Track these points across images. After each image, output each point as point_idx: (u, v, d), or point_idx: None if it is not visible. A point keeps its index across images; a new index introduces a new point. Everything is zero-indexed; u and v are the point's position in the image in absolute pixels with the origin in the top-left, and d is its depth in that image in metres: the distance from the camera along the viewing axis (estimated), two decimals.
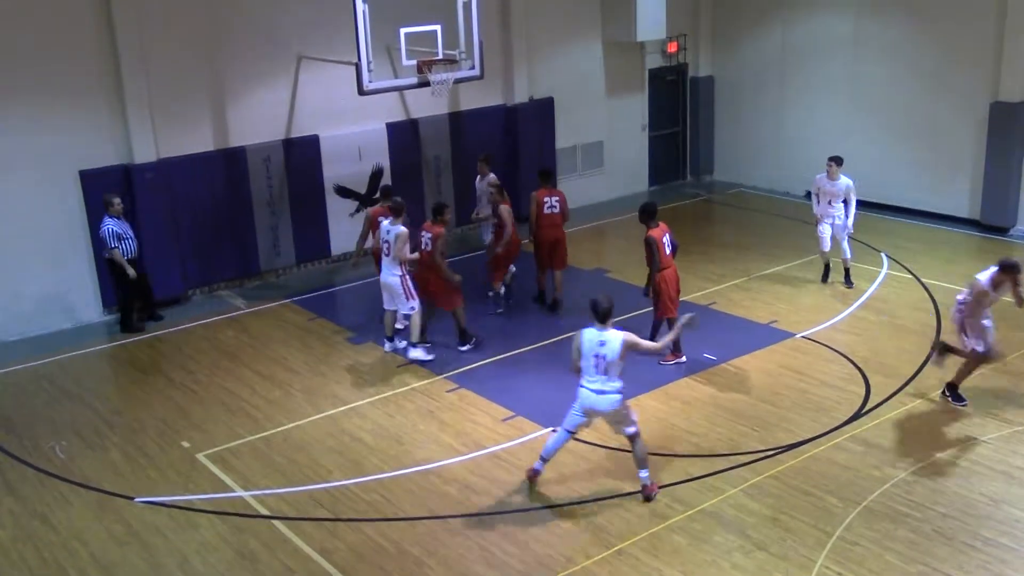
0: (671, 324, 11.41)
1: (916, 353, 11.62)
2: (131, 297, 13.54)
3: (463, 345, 12.24)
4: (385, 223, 12.07)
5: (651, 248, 11.34)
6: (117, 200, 13.09)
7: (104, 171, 13.76)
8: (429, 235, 11.89)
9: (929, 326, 12.46)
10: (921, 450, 9.44)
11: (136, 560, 8.27)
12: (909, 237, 16.23)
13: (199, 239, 14.76)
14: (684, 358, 11.65)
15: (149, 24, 13.82)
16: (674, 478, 9.15)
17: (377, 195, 14.57)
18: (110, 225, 12.97)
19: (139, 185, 13.91)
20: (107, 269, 13.43)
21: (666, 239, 11.44)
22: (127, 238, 13.20)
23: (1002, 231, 16.16)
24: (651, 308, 11.84)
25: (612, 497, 8.87)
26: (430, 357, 12.06)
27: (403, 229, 11.78)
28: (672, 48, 19.96)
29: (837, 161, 13.78)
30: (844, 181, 13.75)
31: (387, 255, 11.94)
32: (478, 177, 14.76)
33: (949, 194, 16.90)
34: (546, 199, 13.25)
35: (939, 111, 16.86)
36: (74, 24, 13.32)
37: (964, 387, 10.42)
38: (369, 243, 12.86)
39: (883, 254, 15.34)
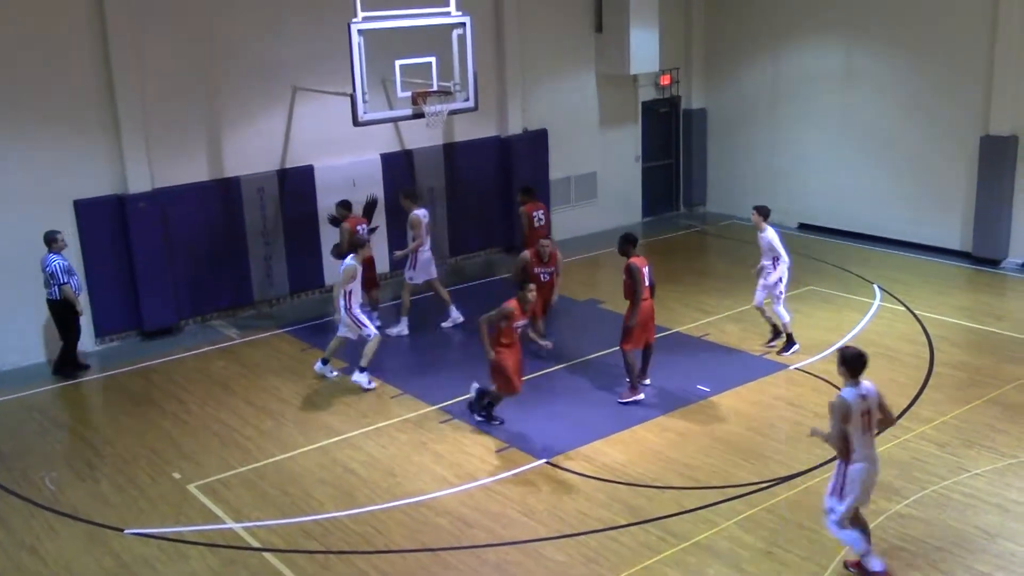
0: (642, 355, 11.66)
1: (909, 385, 11.62)
2: (76, 337, 13.14)
3: (477, 414, 11.28)
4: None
5: (633, 277, 11.28)
6: (61, 236, 12.78)
7: (98, 200, 13.78)
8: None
9: (922, 359, 12.47)
10: (915, 483, 9.42)
11: None
12: (901, 269, 16.29)
13: (192, 269, 14.75)
14: (642, 396, 11.51)
15: (145, 55, 13.90)
16: (667, 510, 9.10)
17: (374, 225, 14.60)
18: (57, 261, 12.64)
19: (132, 215, 13.92)
20: (51, 309, 12.90)
21: (646, 271, 11.41)
22: (74, 274, 12.96)
23: (994, 263, 16.23)
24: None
25: (605, 530, 8.82)
26: (371, 387, 12.18)
27: (350, 264, 11.99)
28: (665, 81, 20.11)
29: (759, 211, 12.59)
30: (767, 234, 12.48)
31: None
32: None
33: (941, 226, 16.99)
34: (534, 213, 14.46)
35: (930, 144, 16.98)
36: (70, 55, 13.38)
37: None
38: None
39: (875, 286, 15.38)
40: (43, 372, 13.16)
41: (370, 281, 14.22)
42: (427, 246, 14.13)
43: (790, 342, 12.80)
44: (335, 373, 12.60)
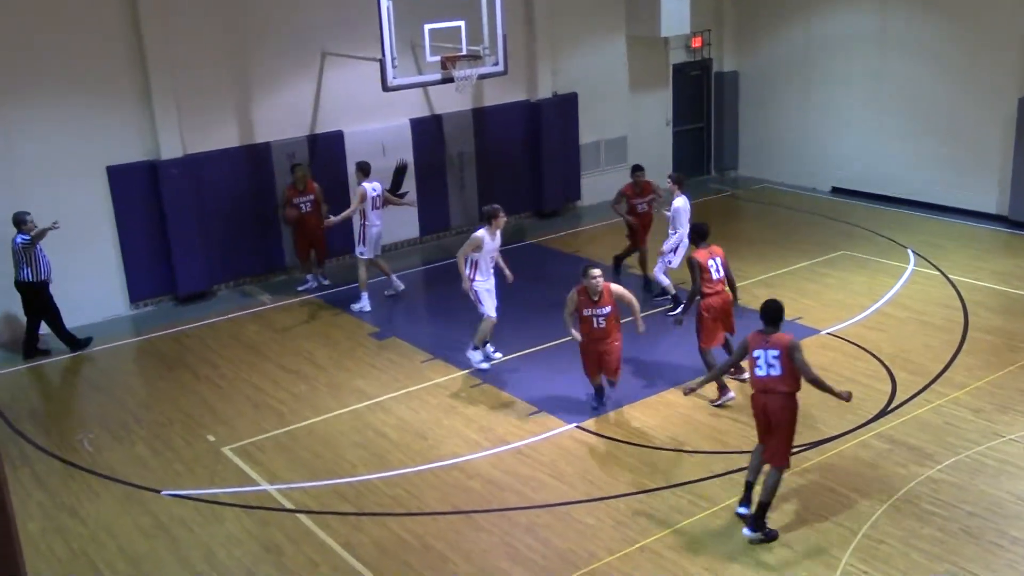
0: (725, 349, 10.83)
1: (942, 350, 11.53)
2: (39, 319, 12.75)
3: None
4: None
5: (692, 271, 10.62)
6: (30, 217, 12.37)
7: (131, 167, 13.89)
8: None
9: (956, 323, 12.35)
10: (948, 448, 9.37)
11: (163, 552, 8.34)
12: (936, 233, 16.09)
13: (225, 234, 14.85)
14: (732, 395, 10.61)
15: (175, 21, 13.92)
16: (697, 474, 9.12)
17: (402, 190, 14.60)
18: (22, 238, 12.29)
19: (165, 181, 14.02)
20: (18, 289, 12.53)
21: (715, 262, 10.63)
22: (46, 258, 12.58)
23: None
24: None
25: (635, 493, 8.86)
26: (482, 365, 11.65)
27: (477, 234, 11.33)
28: (696, 43, 19.87)
29: (674, 179, 13.35)
30: (678, 202, 13.05)
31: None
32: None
33: (977, 190, 16.74)
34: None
35: (966, 107, 16.69)
36: (101, 23, 13.43)
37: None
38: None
39: (910, 250, 15.21)
40: (81, 335, 13.32)
41: (319, 242, 14.67)
42: (376, 221, 13.77)
43: (676, 303, 13.07)
44: (497, 353, 12.03)
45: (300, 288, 14.77)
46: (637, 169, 14.29)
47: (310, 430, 10.43)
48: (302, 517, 8.79)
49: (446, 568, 7.93)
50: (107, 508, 9.11)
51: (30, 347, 12.74)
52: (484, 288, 11.47)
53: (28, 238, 12.24)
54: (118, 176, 13.82)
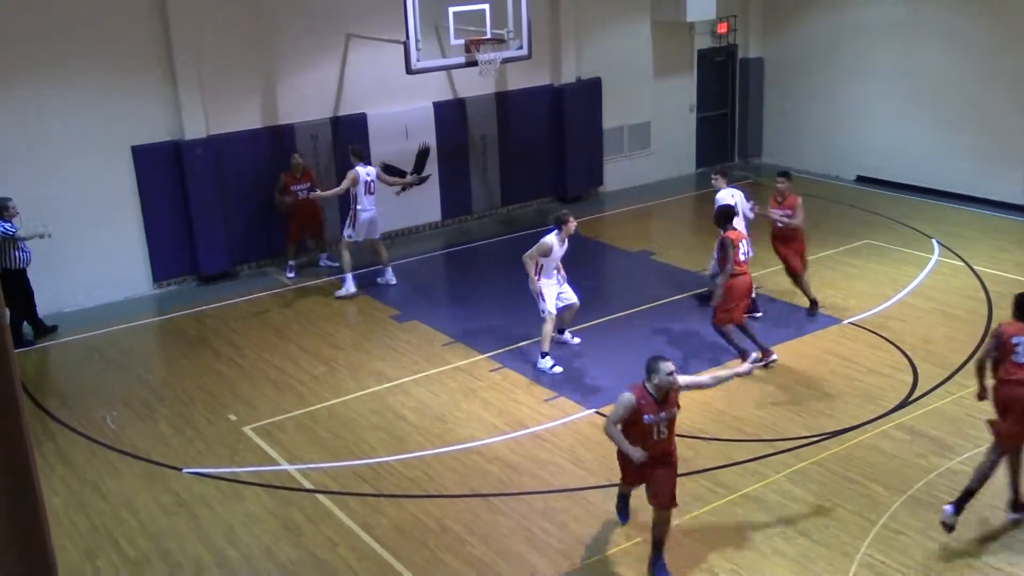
0: (741, 329, 10.89)
1: (965, 341, 11.44)
2: (26, 308, 12.57)
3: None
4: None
5: (725, 251, 10.69)
6: (12, 203, 12.05)
7: (155, 147, 13.96)
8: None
9: (980, 314, 12.25)
10: (968, 440, 9.31)
11: (184, 529, 8.42)
12: (961, 223, 15.94)
13: (247, 215, 14.91)
14: (775, 355, 10.95)
15: (201, 2, 13.95)
16: (716, 462, 9.12)
17: (425, 173, 14.59)
18: (4, 227, 11.95)
19: (189, 161, 14.09)
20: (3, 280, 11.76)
21: (744, 244, 10.82)
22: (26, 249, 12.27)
23: None
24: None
25: None
26: (554, 371, 11.11)
27: (546, 240, 11.06)
28: (722, 29, 19.73)
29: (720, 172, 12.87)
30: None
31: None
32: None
33: (1004, 180, 16.55)
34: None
35: (994, 96, 16.50)
36: (129, 4, 13.49)
37: None
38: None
39: (934, 240, 15.10)
40: (104, 313, 13.44)
41: (318, 226, 14.75)
42: (369, 206, 13.66)
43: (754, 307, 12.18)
44: (575, 339, 11.87)
45: (289, 276, 14.66)
46: (783, 176, 12.60)
47: (330, 411, 10.49)
48: (321, 497, 8.85)
49: (463, 550, 7.97)
50: (129, 484, 9.20)
51: (39, 328, 12.75)
52: (548, 286, 11.11)
53: (13, 230, 11.98)
54: (142, 155, 13.90)
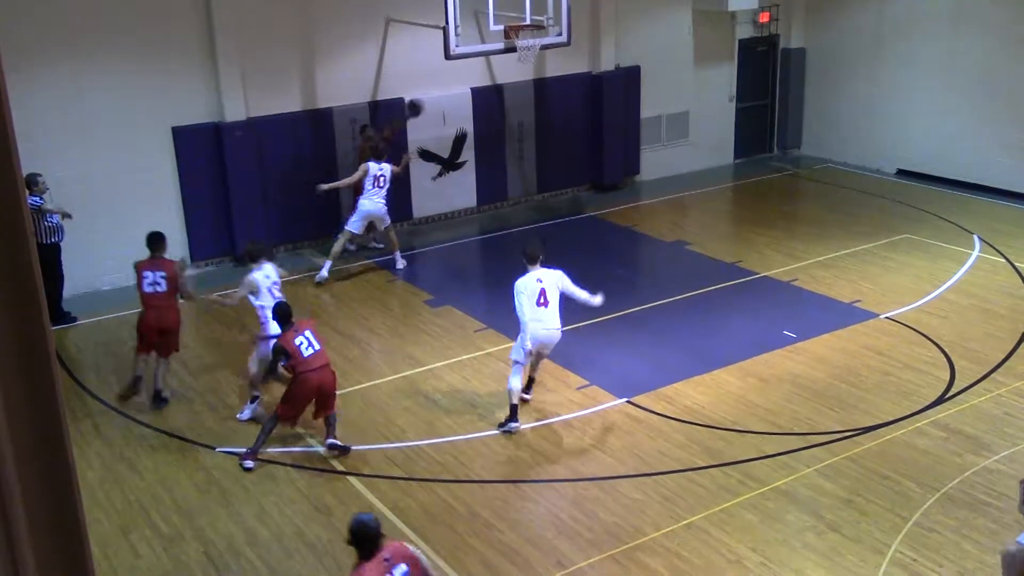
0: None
1: (1005, 339, 11.28)
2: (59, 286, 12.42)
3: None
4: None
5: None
6: (42, 179, 11.94)
7: (196, 128, 14.08)
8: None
9: (1021, 312, 12.07)
10: (1006, 438, 9.19)
11: (216, 507, 8.52)
12: (1004, 219, 15.69)
13: (285, 197, 14.99)
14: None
15: None
16: (747, 455, 9.07)
17: (461, 159, 14.54)
18: (32, 200, 11.68)
19: (229, 143, 14.20)
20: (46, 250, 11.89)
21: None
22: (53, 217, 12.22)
23: None
24: None
25: (683, 471, 8.84)
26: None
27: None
28: (764, 18, 19.52)
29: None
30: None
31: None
32: None
33: None
34: None
35: None
36: None
37: None
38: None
39: (975, 236, 14.88)
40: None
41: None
42: (376, 200, 13.63)
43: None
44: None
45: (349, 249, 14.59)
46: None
47: (362, 394, 10.55)
48: (352, 480, 8.92)
49: (492, 535, 8.00)
50: (163, 462, 9.32)
51: (56, 314, 12.38)
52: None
53: (39, 203, 11.91)
54: (183, 136, 14.02)
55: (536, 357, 9.83)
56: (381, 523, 5.72)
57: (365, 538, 5.56)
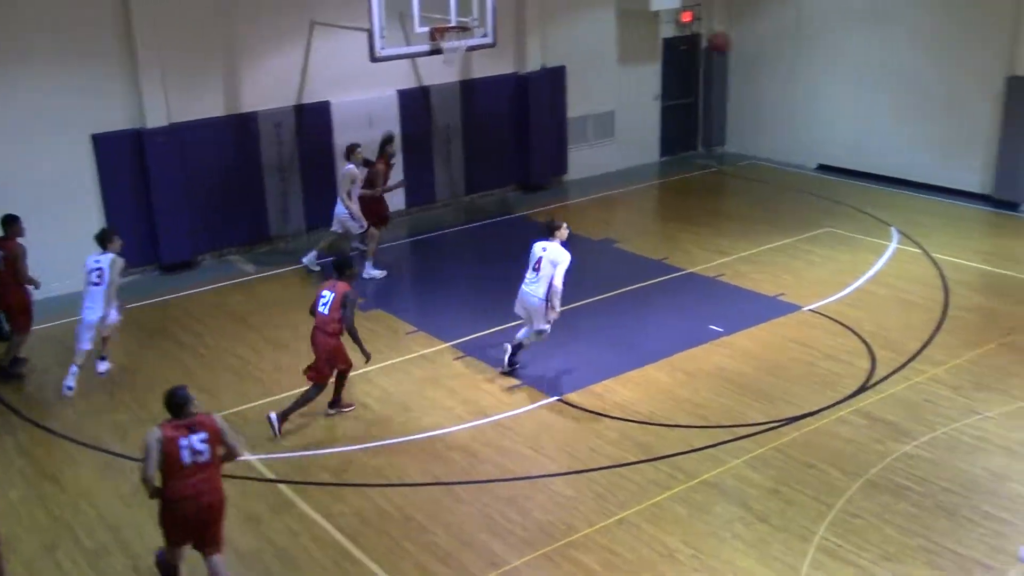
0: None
1: (922, 328, 11.61)
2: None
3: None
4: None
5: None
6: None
7: (116, 135, 13.81)
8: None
9: (937, 301, 12.43)
10: (925, 424, 9.47)
11: (143, 520, 8.35)
12: (921, 211, 16.15)
13: (209, 204, 14.78)
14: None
15: None
16: (676, 448, 9.20)
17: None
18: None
19: (151, 149, 13.95)
20: None
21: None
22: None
23: (1014, 206, 16.07)
24: None
25: (615, 466, 8.93)
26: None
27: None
28: (686, 18, 19.79)
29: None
30: None
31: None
32: None
33: (963, 169, 16.78)
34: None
35: (954, 85, 16.71)
36: None
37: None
38: None
39: (893, 228, 15.28)
40: (63, 303, 13.27)
41: (379, 217, 14.21)
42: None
43: None
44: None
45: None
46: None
47: (294, 400, 10.43)
48: (283, 487, 8.83)
49: (426, 539, 8.00)
50: (87, 476, 9.13)
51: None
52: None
53: None
54: (103, 144, 13.74)
55: (527, 321, 10.76)
56: (192, 398, 7.02)
57: (169, 405, 7.03)
